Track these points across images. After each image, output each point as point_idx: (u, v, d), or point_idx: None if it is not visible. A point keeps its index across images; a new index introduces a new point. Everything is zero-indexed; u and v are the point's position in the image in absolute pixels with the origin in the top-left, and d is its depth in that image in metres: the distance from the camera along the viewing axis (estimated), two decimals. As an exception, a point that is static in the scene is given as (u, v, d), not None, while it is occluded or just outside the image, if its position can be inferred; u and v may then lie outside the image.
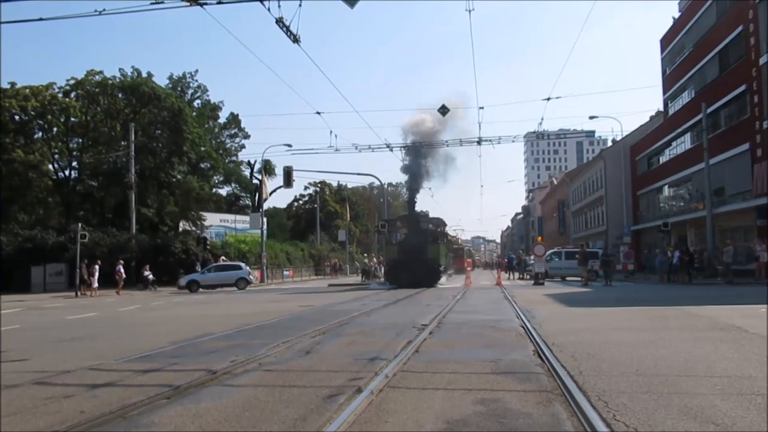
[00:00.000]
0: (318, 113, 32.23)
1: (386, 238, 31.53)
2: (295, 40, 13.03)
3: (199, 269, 30.86)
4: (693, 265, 25.91)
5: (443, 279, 30.53)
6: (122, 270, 29.04)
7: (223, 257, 35.51)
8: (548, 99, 26.58)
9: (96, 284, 27.65)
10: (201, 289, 28.12)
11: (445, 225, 34.86)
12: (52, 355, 7.80)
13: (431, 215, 38.90)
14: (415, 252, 26.63)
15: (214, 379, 5.61)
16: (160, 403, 4.65)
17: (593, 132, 46.05)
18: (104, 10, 12.12)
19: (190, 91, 48.65)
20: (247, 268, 31.57)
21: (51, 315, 15.79)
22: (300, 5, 12.13)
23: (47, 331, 10.95)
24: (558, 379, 5.18)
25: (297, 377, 5.63)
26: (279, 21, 12.45)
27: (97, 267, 27.95)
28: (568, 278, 30.90)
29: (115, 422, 4.17)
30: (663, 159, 40.07)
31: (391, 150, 29.59)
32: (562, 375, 5.28)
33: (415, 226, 29.13)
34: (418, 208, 32.68)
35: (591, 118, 42.61)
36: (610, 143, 55.80)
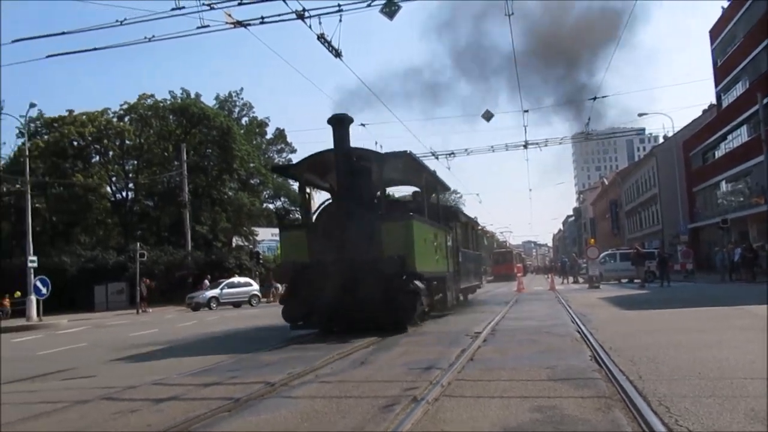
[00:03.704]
0: (362, 125, 32.40)
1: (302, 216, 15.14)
2: (337, 54, 13.23)
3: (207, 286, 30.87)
4: (756, 262, 24.87)
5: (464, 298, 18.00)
6: (144, 288, 29.76)
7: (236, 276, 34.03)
8: (594, 99, 26.05)
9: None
10: (217, 307, 28.18)
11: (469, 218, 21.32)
12: (118, 371, 8.12)
13: (480, 221, 30.69)
14: (355, 244, 10.64)
15: (272, 391, 5.73)
16: (222, 416, 4.79)
17: (643, 130, 44.76)
18: (153, 36, 12.55)
19: (236, 110, 49.92)
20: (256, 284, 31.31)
21: (115, 332, 16.39)
22: (340, 20, 12.24)
23: (112, 348, 11.37)
24: (616, 384, 5.08)
25: (353, 388, 5.70)
26: (320, 37, 12.67)
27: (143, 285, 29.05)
28: (623, 280, 30.13)
29: (184, 434, 4.32)
30: (718, 153, 38.72)
31: (437, 158, 29.43)
32: (620, 380, 5.17)
33: (350, 178, 11.29)
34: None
35: (640, 115, 41.41)
36: (661, 140, 54.18)
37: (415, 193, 15.25)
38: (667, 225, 45.78)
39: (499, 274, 51.70)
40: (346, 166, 11.28)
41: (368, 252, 10.54)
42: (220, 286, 29.79)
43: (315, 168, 12.64)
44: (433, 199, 15.16)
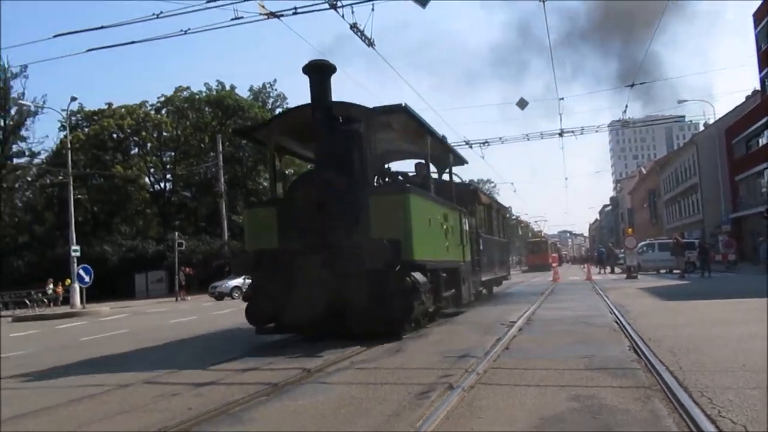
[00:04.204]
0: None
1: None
2: (370, 43, 13.21)
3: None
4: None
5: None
6: (183, 277, 30.23)
7: None
8: (632, 85, 25.46)
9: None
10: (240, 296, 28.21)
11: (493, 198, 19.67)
12: (159, 356, 8.33)
13: (513, 210, 31.91)
14: (335, 225, 8.41)
15: (308, 376, 5.81)
16: (260, 400, 4.88)
17: (683, 117, 43.66)
18: (189, 29, 12.74)
19: (270, 101, 50.28)
20: None
21: (155, 319, 16.79)
22: (372, 9, 12.20)
23: (154, 334, 11.65)
24: (656, 374, 4.99)
25: (388, 375, 5.73)
26: (353, 26, 12.68)
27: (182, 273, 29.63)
28: (662, 271, 29.53)
29: (220, 418, 4.41)
30: (763, 141, 37.48)
31: (471, 147, 29.21)
32: (660, 370, 5.08)
33: (331, 140, 8.99)
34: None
35: (680, 102, 40.45)
36: (701, 127, 52.77)
37: (418, 165, 11.63)
38: (708, 215, 44.61)
39: (534, 264, 51.34)
40: (327, 125, 8.94)
41: (351, 236, 8.23)
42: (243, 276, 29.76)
43: (289, 130, 9.94)
44: (440, 177, 12.96)
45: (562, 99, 34.29)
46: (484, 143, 29.21)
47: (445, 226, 10.41)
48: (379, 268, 7.82)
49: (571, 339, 7.56)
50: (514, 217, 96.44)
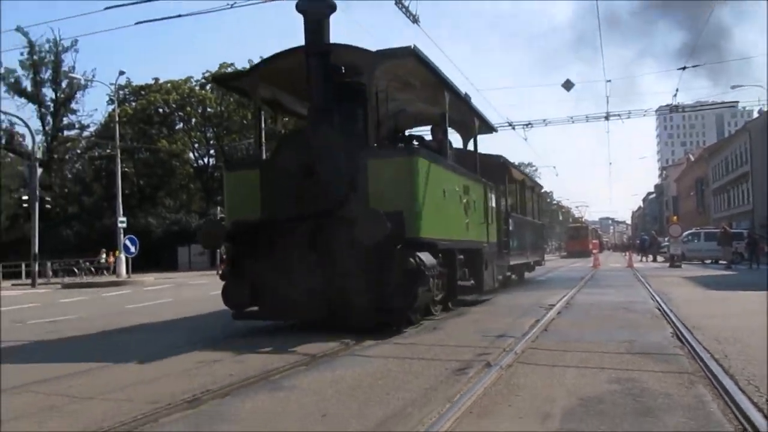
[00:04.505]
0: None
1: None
2: (415, 20, 13.08)
3: None
4: None
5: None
6: (224, 250, 30.70)
7: None
8: (683, 68, 24.62)
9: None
10: None
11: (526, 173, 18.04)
12: (199, 324, 8.55)
13: (555, 195, 31.11)
14: (327, 193, 7.10)
15: (346, 349, 5.88)
16: (299, 369, 4.97)
17: (736, 103, 42.09)
18: (235, 2, 12.86)
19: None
20: None
21: (196, 290, 17.21)
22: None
23: (195, 304, 11.95)
24: (700, 361, 4.88)
25: (425, 351, 5.76)
26: (398, 2, 12.57)
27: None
28: (707, 261, 28.75)
29: (260, 383, 4.51)
30: (821, 129, 35.90)
31: (513, 128, 28.83)
32: (704, 357, 4.96)
33: (326, 90, 7.47)
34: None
35: (733, 87, 38.98)
36: (756, 114, 50.78)
37: (434, 127, 9.81)
38: (758, 205, 43.10)
39: (573, 250, 50.59)
40: (321, 71, 7.42)
41: (345, 206, 6.98)
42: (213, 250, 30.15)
43: (277, 79, 8.42)
44: (465, 147, 11.50)
45: (609, 81, 33.34)
46: (527, 125, 28.82)
47: (464, 200, 9.05)
48: (374, 244, 6.45)
49: (611, 324, 7.45)
50: (554, 202, 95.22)
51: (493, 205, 11.20)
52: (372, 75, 7.54)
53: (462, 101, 9.82)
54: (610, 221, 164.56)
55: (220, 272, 8.08)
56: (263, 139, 8.90)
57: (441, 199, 7.90)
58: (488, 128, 12.23)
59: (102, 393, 4.32)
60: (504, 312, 9.02)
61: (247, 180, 7.78)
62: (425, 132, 10.36)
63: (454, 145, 10.71)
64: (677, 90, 62.87)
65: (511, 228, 13.17)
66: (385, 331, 6.75)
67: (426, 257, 7.01)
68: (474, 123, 10.76)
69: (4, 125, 44.91)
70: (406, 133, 10.39)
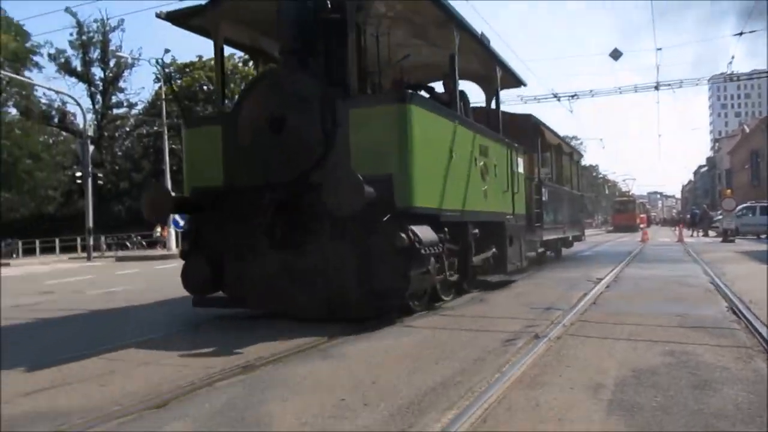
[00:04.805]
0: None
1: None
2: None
3: None
4: None
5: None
6: None
7: None
8: (740, 34, 23.48)
9: None
10: None
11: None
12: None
13: (601, 169, 29.13)
14: (299, 153, 5.85)
15: (395, 320, 5.90)
16: (349, 339, 5.03)
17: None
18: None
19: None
20: None
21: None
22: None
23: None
24: (758, 335, 4.73)
25: (471, 322, 5.75)
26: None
27: None
28: (762, 236, 27.73)
29: (310, 352, 4.59)
30: None
31: (558, 100, 28.18)
32: (763, 332, 4.81)
33: (298, 27, 6.10)
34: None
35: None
36: (819, 82, 48.31)
37: (445, 80, 8.07)
38: (818, 177, 41.24)
39: (620, 225, 49.40)
40: (292, 2, 6.07)
41: (322, 168, 5.67)
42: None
43: (252, 19, 7.01)
44: (488, 104, 9.88)
45: (660, 49, 32.13)
46: (572, 96, 28.12)
47: (481, 163, 7.64)
48: (349, 215, 5.22)
49: (663, 297, 7.28)
50: (600, 176, 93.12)
51: (521, 170, 9.83)
52: (360, 9, 6.24)
53: (479, 44, 8.20)
54: (658, 195, 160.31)
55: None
56: (225, 91, 7.29)
57: (446, 160, 6.48)
58: (514, 81, 10.21)
59: (158, 359, 4.48)
60: (550, 285, 8.92)
61: (209, 138, 6.52)
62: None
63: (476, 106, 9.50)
64: (732, 57, 60.18)
65: (544, 198, 11.73)
66: (366, 323, 5.53)
67: (423, 231, 5.75)
68: (495, 73, 9.05)
69: (56, 104, 46.33)
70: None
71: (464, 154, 7.05)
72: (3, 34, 37.87)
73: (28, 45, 42.98)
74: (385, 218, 5.41)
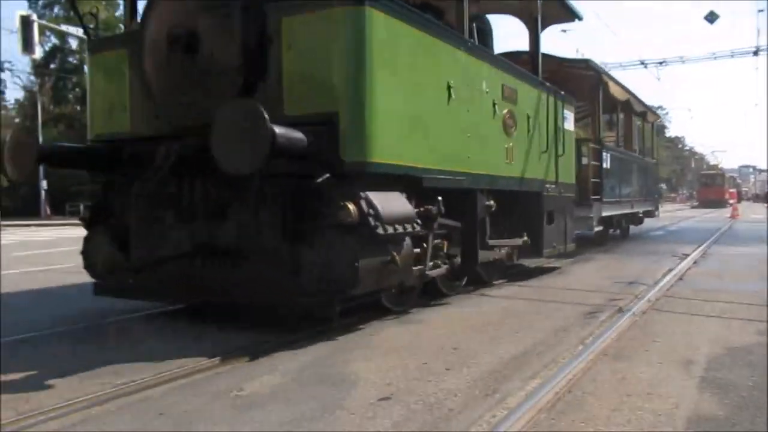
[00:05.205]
0: (563, 31, 30.46)
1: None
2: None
3: None
4: None
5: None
6: None
7: None
8: None
9: None
10: None
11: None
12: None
13: (687, 141, 26.49)
14: (216, 85, 3.99)
15: (474, 290, 5.88)
16: (428, 305, 5.05)
17: None
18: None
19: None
20: None
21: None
22: None
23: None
24: None
25: (552, 294, 5.69)
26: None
27: None
28: None
29: (389, 319, 4.63)
30: None
31: (645, 66, 26.83)
32: None
33: None
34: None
35: None
36: None
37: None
38: None
39: (706, 199, 46.91)
40: None
41: (244, 107, 3.50)
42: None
43: None
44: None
45: (762, 11, 29.82)
46: (661, 63, 26.74)
47: (504, 111, 5.63)
48: (247, 174, 3.52)
49: (756, 276, 6.92)
50: (687, 148, 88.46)
51: (568, 127, 7.54)
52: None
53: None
54: (750, 169, 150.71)
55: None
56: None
57: (437, 99, 4.60)
58: (564, 11, 7.56)
59: (218, 324, 4.43)
60: (635, 257, 8.66)
61: (115, 67, 4.85)
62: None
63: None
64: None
65: (606, 165, 9.78)
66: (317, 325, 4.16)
67: (387, 201, 3.96)
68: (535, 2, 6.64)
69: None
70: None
71: (473, 95, 5.09)
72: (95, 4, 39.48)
73: (117, 14, 44.83)
74: (320, 179, 3.74)
